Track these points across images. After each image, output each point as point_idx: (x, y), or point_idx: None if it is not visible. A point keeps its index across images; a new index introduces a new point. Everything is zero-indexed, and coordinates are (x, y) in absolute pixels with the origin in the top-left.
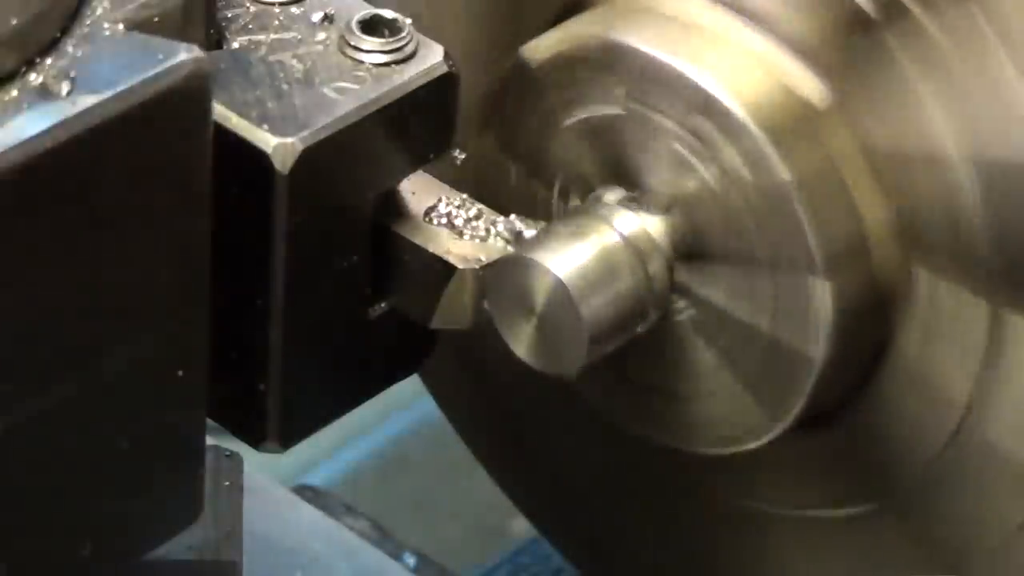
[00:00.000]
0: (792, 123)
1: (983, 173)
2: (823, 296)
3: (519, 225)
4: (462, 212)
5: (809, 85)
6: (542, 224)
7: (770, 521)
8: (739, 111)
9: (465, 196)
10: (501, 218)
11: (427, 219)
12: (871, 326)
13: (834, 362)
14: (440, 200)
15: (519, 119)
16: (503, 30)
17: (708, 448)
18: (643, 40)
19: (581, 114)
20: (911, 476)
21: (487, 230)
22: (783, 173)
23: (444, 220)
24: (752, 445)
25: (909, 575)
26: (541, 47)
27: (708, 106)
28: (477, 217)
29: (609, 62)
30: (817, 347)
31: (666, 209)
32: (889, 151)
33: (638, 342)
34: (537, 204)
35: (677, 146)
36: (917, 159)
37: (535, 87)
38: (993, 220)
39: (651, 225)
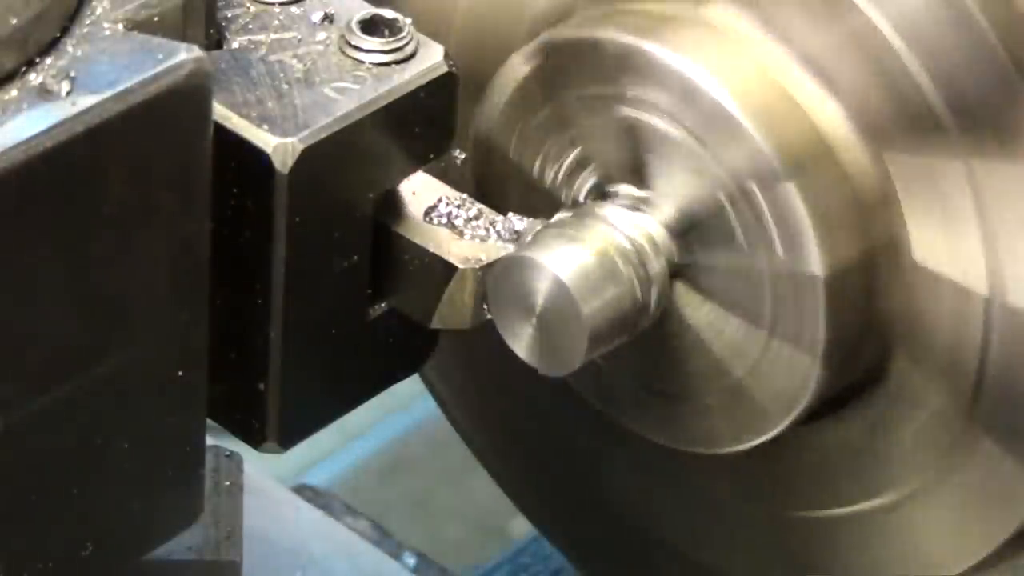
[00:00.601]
0: (777, 105)
1: (919, 45)
2: (819, 278)
3: (519, 225)
4: (462, 212)
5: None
6: (542, 223)
7: (777, 521)
8: (723, 97)
9: (465, 196)
10: (501, 218)
11: (427, 219)
12: (862, 231)
13: (838, 274)
14: (440, 200)
15: (511, 129)
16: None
17: (716, 447)
18: (624, 34)
19: (573, 117)
20: (963, 403)
21: (487, 230)
22: (777, 163)
23: (444, 220)
24: (761, 439)
25: (926, 568)
26: (529, 54)
27: (693, 95)
28: (477, 217)
29: (594, 59)
30: (815, 260)
31: (663, 206)
32: (826, 48)
33: (640, 342)
34: (539, 206)
35: (668, 141)
36: (854, 49)
37: (525, 95)
38: (942, 87)
39: (651, 225)
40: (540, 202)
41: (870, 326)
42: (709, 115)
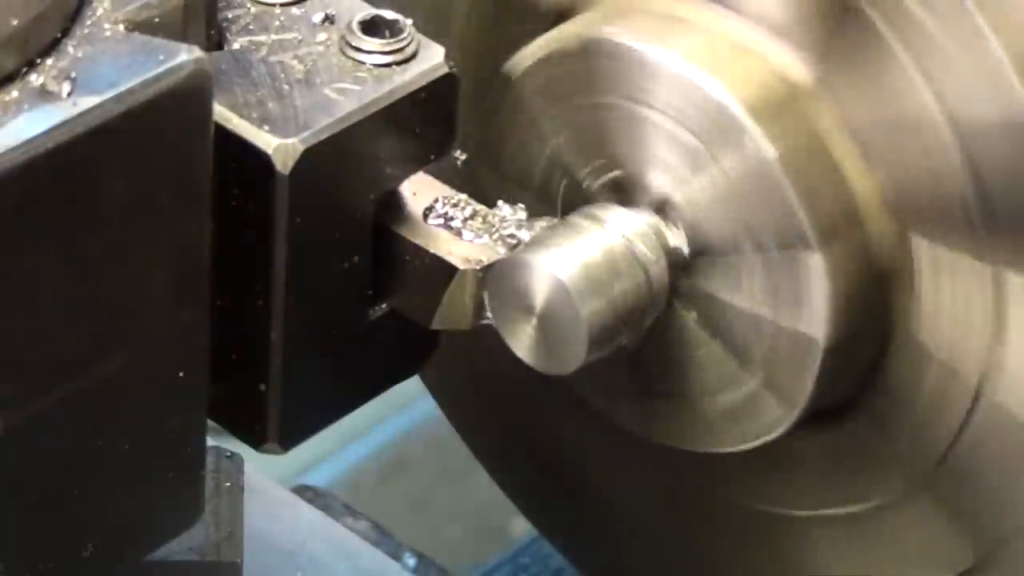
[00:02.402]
0: (776, 102)
1: (965, 135)
2: (820, 272)
3: (516, 222)
4: (459, 212)
5: (791, 64)
6: (540, 223)
7: (778, 521)
8: (721, 93)
9: (463, 196)
10: (499, 217)
11: (425, 219)
12: (873, 303)
13: (839, 344)
14: (437, 200)
15: (509, 132)
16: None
17: (719, 447)
18: (620, 33)
19: (571, 118)
20: (929, 464)
21: (485, 230)
22: (769, 151)
23: (442, 220)
24: (765, 439)
25: (930, 569)
26: (525, 57)
27: (690, 92)
28: (474, 217)
29: (590, 60)
30: (820, 329)
31: (663, 206)
32: (874, 122)
33: (641, 343)
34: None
35: (666, 139)
36: (901, 127)
37: (522, 98)
38: (976, 181)
39: (649, 223)
40: (540, 204)
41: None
42: (712, 116)
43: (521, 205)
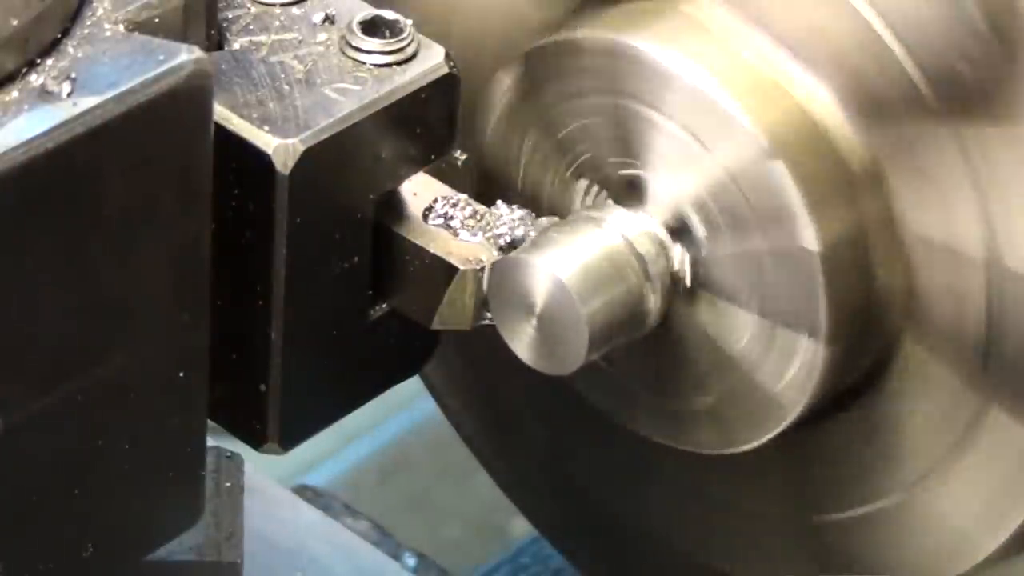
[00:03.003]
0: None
1: (999, 281)
2: (820, 272)
3: (515, 224)
4: (459, 212)
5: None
6: (539, 222)
7: (778, 522)
8: (738, 111)
9: (463, 196)
10: (498, 216)
11: (425, 219)
12: (872, 308)
13: (840, 341)
14: (437, 200)
15: (513, 132)
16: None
17: (719, 447)
18: (628, 36)
19: (575, 119)
20: (931, 463)
21: (484, 229)
22: (769, 153)
23: (441, 220)
24: (759, 442)
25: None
26: (531, 59)
27: (695, 96)
28: (474, 216)
29: (596, 61)
30: (821, 327)
31: (663, 206)
32: (914, 228)
33: (641, 342)
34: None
35: (671, 141)
36: (940, 245)
37: (528, 99)
38: (999, 326)
39: (650, 224)
40: (540, 205)
41: (873, 305)
42: (697, 106)
43: (518, 207)
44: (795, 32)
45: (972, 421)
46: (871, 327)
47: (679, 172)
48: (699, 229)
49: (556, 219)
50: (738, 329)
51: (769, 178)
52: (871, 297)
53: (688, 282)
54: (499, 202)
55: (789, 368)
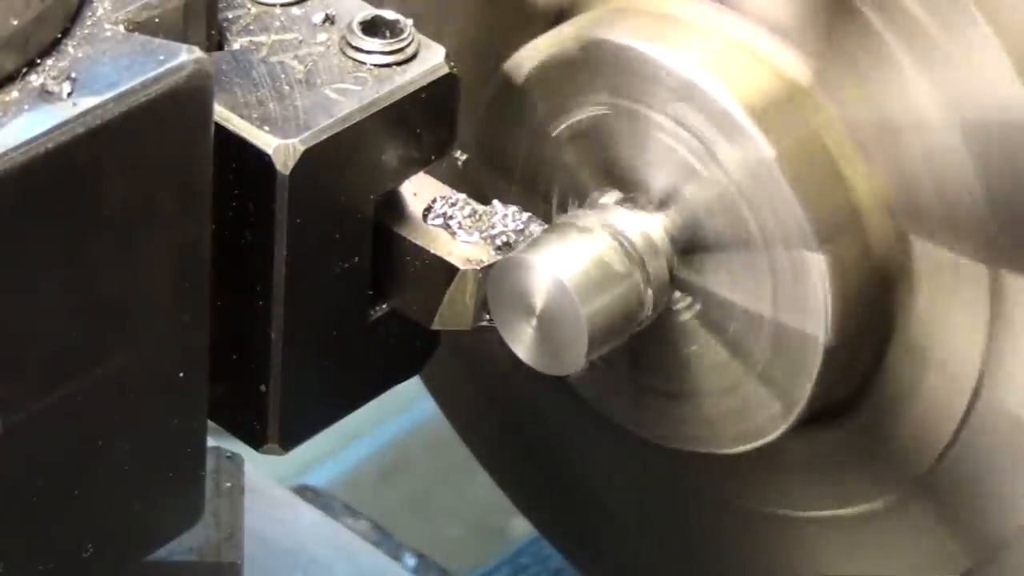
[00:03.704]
0: (776, 102)
1: (969, 136)
2: (820, 272)
3: (511, 223)
4: (458, 211)
5: (790, 64)
6: (537, 221)
7: (777, 522)
8: (722, 94)
9: (462, 196)
10: (496, 214)
11: (424, 219)
12: (873, 303)
13: (839, 344)
14: (435, 200)
15: (508, 133)
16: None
17: (720, 448)
18: (620, 34)
19: (570, 119)
20: (931, 459)
21: (482, 229)
22: (768, 150)
23: (440, 220)
24: (765, 440)
25: (928, 571)
26: (524, 59)
27: (691, 93)
28: (473, 216)
29: (589, 61)
30: (820, 327)
31: (662, 205)
32: (875, 123)
33: (642, 343)
34: (539, 208)
35: (666, 139)
36: (903, 128)
37: (521, 99)
38: (982, 181)
39: (648, 223)
40: (540, 204)
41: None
42: (708, 114)
43: (516, 207)
44: (858, 114)
45: (958, 440)
46: (868, 341)
47: (679, 173)
48: (700, 233)
49: (554, 219)
50: (737, 332)
51: (772, 185)
52: (872, 311)
53: (686, 282)
54: (495, 201)
55: (787, 373)
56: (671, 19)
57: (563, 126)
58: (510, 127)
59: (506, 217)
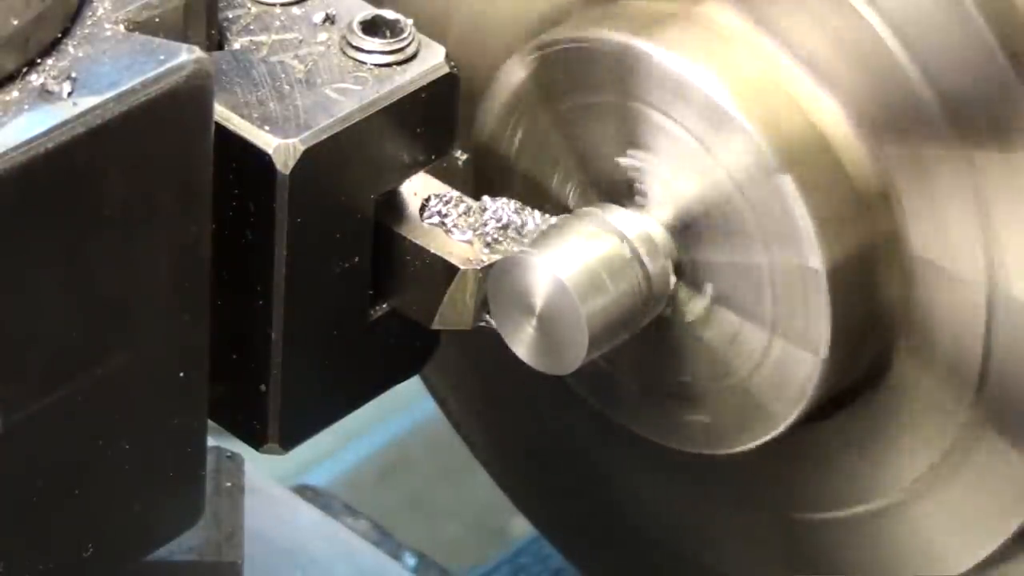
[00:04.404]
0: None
1: (999, 307)
2: (822, 290)
3: (502, 218)
4: (452, 209)
5: (829, 112)
6: (532, 214)
7: (772, 521)
8: (740, 114)
9: (456, 193)
10: (483, 211)
11: (421, 218)
12: (873, 299)
13: (838, 354)
14: (430, 198)
15: (520, 123)
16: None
17: (719, 447)
18: (647, 42)
19: (572, 116)
20: (924, 466)
21: (476, 227)
22: (771, 155)
23: (436, 219)
24: (757, 443)
25: (935, 563)
26: (542, 48)
27: (710, 108)
28: (466, 213)
29: (591, 58)
30: (820, 341)
31: (665, 208)
32: (918, 247)
33: (640, 342)
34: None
35: (676, 145)
36: (942, 267)
37: (535, 90)
38: (996, 351)
39: (651, 225)
40: (540, 203)
41: (872, 321)
42: (706, 113)
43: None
44: (809, 44)
45: (962, 438)
46: (870, 342)
47: (682, 176)
48: (700, 233)
49: (550, 216)
50: (735, 335)
51: (776, 192)
52: (873, 314)
53: (686, 283)
54: (485, 197)
55: (785, 376)
56: (669, 18)
57: (573, 123)
58: (512, 124)
59: (497, 211)
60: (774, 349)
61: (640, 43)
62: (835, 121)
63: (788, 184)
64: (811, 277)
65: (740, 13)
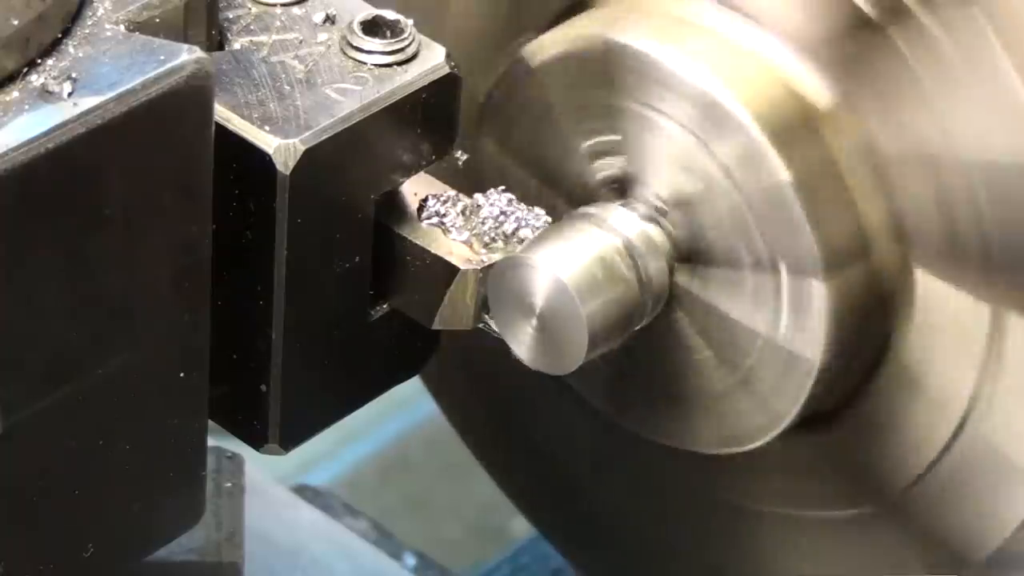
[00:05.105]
0: (793, 122)
1: (985, 175)
2: (821, 297)
3: (501, 216)
4: (450, 209)
5: (811, 84)
6: (522, 207)
7: (771, 521)
8: (739, 110)
9: (452, 192)
10: (477, 209)
11: (419, 218)
12: (870, 326)
13: (834, 362)
14: (427, 198)
15: (518, 122)
16: (504, 30)
17: (709, 449)
18: (642, 40)
19: (581, 116)
20: (911, 477)
21: (475, 225)
22: (782, 173)
23: (435, 219)
24: (753, 445)
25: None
26: (544, 47)
27: (707, 105)
28: (463, 213)
29: (609, 62)
30: (816, 347)
31: (666, 210)
32: (892, 151)
33: (639, 343)
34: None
35: (677, 146)
36: (920, 160)
37: (534, 89)
38: (994, 221)
39: (650, 226)
40: (541, 203)
41: (870, 323)
42: (701, 109)
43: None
44: (874, 139)
45: (956, 444)
46: (865, 348)
47: (679, 173)
48: (701, 237)
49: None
50: (733, 336)
51: (775, 190)
52: (870, 315)
53: (685, 286)
54: (476, 195)
55: (782, 379)
56: (694, 27)
57: (569, 123)
58: (514, 123)
59: (491, 207)
60: (771, 351)
61: (664, 55)
62: (879, 226)
63: (787, 182)
64: (811, 287)
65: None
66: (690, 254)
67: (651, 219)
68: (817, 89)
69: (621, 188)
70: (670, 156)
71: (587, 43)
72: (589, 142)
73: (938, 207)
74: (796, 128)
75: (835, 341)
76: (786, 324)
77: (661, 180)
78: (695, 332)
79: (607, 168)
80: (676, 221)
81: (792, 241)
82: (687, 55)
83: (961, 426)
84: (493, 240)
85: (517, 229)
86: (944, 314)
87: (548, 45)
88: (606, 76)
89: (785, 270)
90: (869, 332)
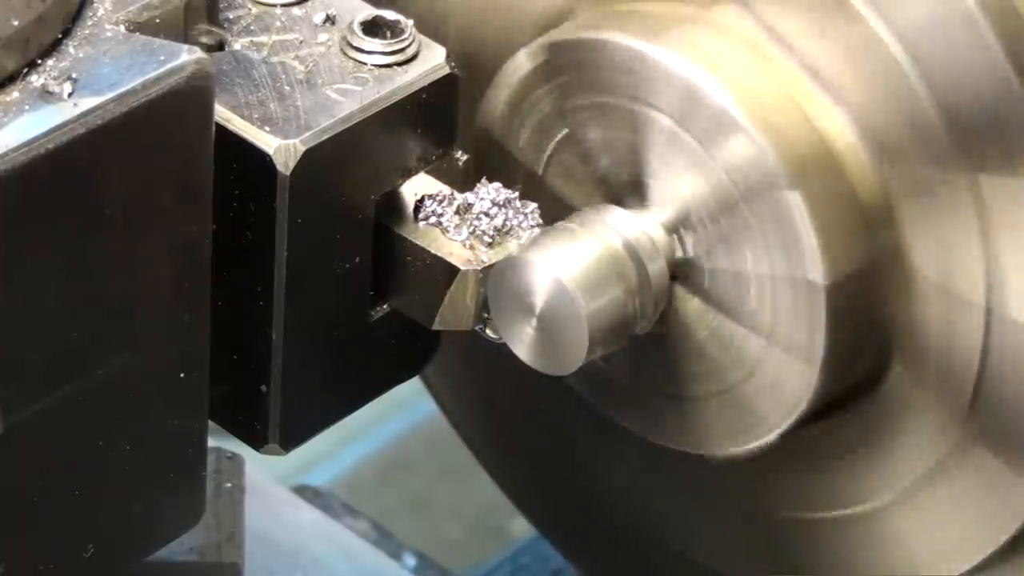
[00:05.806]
0: (793, 122)
1: (996, 328)
2: (822, 295)
3: (492, 209)
4: (447, 208)
5: (811, 86)
6: (528, 207)
7: (771, 520)
8: (745, 119)
9: (448, 191)
10: (483, 207)
11: (416, 218)
12: (871, 326)
13: (836, 356)
14: (424, 198)
15: (520, 126)
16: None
17: (714, 450)
18: (631, 38)
19: (584, 117)
20: (924, 467)
21: (471, 224)
22: (779, 169)
23: (433, 219)
24: (758, 444)
25: (919, 571)
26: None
27: (704, 103)
28: (460, 212)
29: (606, 60)
30: (817, 347)
31: (666, 210)
32: (919, 265)
33: (639, 343)
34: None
35: (681, 150)
36: (942, 286)
37: (542, 88)
38: (991, 372)
39: (651, 226)
40: (541, 202)
41: (870, 335)
42: (714, 119)
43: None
44: (819, 56)
45: (953, 450)
46: (866, 353)
47: (685, 180)
48: (700, 238)
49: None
50: (732, 341)
51: (781, 204)
52: (870, 327)
53: (686, 285)
54: (467, 193)
55: (779, 385)
56: (679, 22)
57: (576, 123)
58: (514, 122)
59: (482, 203)
60: (770, 357)
61: (650, 48)
62: (842, 134)
63: (794, 198)
64: (811, 290)
65: (750, 20)
66: (690, 253)
67: (651, 219)
68: (817, 89)
69: (622, 189)
70: (676, 161)
71: (600, 45)
72: (594, 143)
73: (895, 105)
74: (796, 128)
75: (835, 346)
76: (787, 317)
77: (665, 183)
78: (696, 333)
79: (607, 169)
80: (676, 221)
81: (792, 240)
82: (684, 54)
83: (969, 411)
84: (489, 236)
85: (506, 222)
86: (930, 212)
87: (558, 43)
88: (604, 77)
89: (786, 269)
90: (867, 314)
